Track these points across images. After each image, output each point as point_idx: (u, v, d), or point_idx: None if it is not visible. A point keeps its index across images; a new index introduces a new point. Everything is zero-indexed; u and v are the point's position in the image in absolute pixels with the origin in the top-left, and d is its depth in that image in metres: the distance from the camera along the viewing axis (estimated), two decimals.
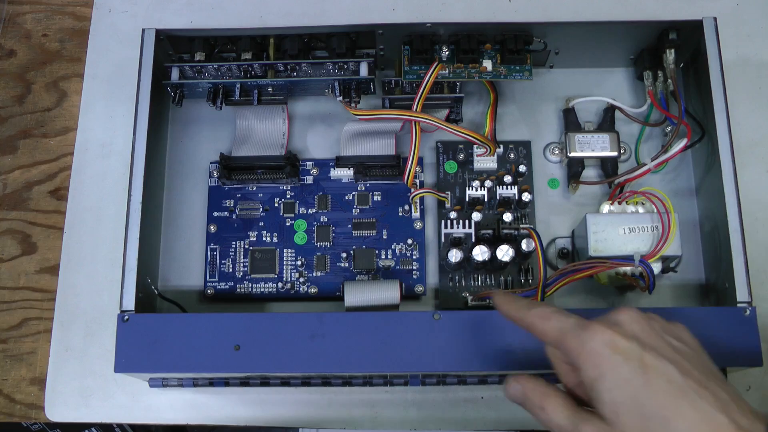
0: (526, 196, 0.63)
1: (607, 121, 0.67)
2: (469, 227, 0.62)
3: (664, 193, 0.59)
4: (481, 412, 0.61)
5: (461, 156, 0.66)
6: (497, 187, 0.63)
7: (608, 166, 0.66)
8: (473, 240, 0.61)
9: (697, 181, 0.66)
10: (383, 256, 0.65)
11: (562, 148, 0.66)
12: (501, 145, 0.66)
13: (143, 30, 0.62)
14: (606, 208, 0.61)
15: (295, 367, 0.54)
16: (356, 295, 0.59)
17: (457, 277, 0.63)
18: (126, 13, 0.73)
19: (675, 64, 0.64)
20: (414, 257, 0.64)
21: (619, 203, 0.61)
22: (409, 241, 0.65)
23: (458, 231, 0.62)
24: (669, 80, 0.64)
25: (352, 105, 0.64)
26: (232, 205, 0.66)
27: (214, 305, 0.64)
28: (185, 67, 0.63)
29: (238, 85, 0.64)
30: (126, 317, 0.54)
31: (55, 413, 0.61)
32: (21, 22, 0.74)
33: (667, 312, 0.56)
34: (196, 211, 0.66)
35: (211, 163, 0.67)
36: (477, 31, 0.63)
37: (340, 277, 0.64)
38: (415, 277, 0.64)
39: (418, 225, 0.65)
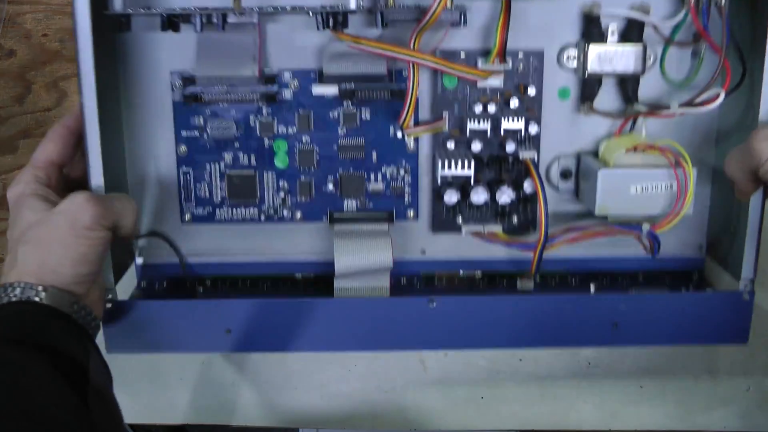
0: (533, 129, 0.57)
1: (634, 30, 0.57)
2: (468, 168, 0.57)
3: (683, 149, 0.54)
4: (481, 412, 0.61)
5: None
6: (502, 117, 0.57)
7: (628, 86, 0.57)
8: (472, 182, 0.57)
9: (723, 127, 0.59)
10: (372, 180, 0.60)
11: (579, 56, 0.58)
12: (509, 59, 0.57)
13: None
14: (621, 157, 0.55)
15: (288, 347, 0.55)
16: (346, 260, 0.57)
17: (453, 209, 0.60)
18: None
19: None
20: (406, 182, 0.60)
21: (636, 149, 0.55)
22: (403, 164, 0.59)
23: (456, 172, 0.57)
24: None
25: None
26: (201, 123, 0.59)
27: (197, 229, 0.60)
28: None
29: (198, 17, 0.54)
30: (108, 304, 0.54)
31: None
32: (21, 22, 0.74)
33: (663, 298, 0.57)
34: (162, 130, 0.59)
35: (171, 72, 0.59)
36: None
37: (325, 203, 0.60)
38: (407, 202, 0.60)
39: (411, 147, 0.60)
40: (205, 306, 0.56)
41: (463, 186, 0.58)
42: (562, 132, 0.59)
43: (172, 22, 0.55)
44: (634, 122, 0.58)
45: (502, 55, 0.56)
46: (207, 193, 0.61)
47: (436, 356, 0.62)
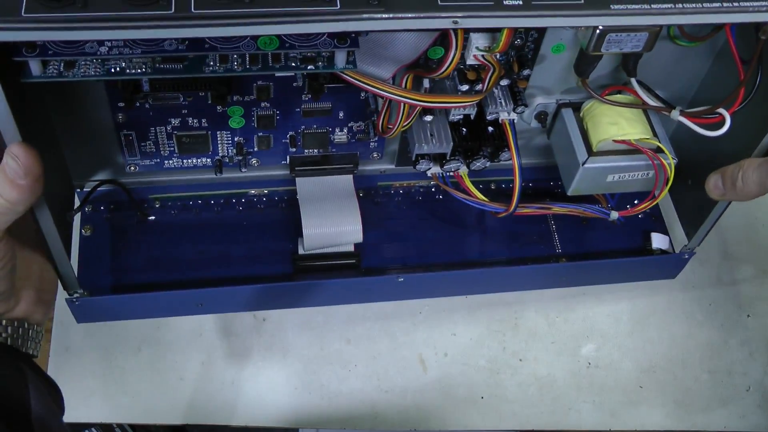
0: (520, 109, 0.54)
1: None
2: (447, 145, 0.55)
3: (666, 149, 0.54)
4: (481, 412, 0.61)
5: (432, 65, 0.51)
6: (489, 103, 0.54)
7: (630, 62, 0.54)
8: (448, 156, 0.56)
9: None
10: (337, 133, 0.58)
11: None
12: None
13: None
14: (605, 144, 0.54)
15: (261, 306, 0.58)
16: (314, 236, 0.57)
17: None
18: None
19: None
20: (372, 137, 0.58)
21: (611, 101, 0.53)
22: (372, 120, 0.55)
23: (434, 149, 0.55)
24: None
25: None
26: (140, 95, 0.52)
27: (145, 175, 0.59)
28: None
29: (145, 80, 0.47)
30: (76, 300, 0.53)
31: None
32: None
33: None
34: (91, 102, 0.53)
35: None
36: None
37: (285, 152, 0.58)
38: (372, 147, 0.60)
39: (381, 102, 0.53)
40: (178, 295, 0.56)
41: (437, 157, 0.57)
42: (546, 82, 0.57)
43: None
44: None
45: (509, 44, 0.49)
46: (153, 149, 0.56)
47: (436, 356, 0.62)
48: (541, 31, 0.53)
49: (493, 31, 0.49)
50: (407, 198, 0.65)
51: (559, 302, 0.65)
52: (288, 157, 0.59)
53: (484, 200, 0.59)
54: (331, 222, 0.58)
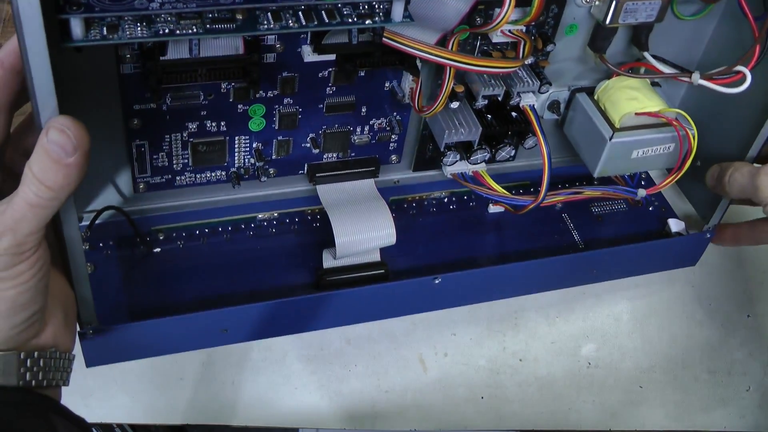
0: (545, 89, 0.54)
1: None
2: (475, 135, 0.54)
3: (690, 119, 0.55)
4: (481, 412, 0.61)
5: (477, 20, 0.50)
6: (516, 82, 0.53)
7: (642, 31, 0.56)
8: (474, 145, 0.55)
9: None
10: (358, 133, 0.56)
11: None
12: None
13: None
14: (628, 119, 0.54)
15: (285, 331, 0.55)
16: (346, 243, 0.54)
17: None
18: None
19: None
20: (396, 132, 0.56)
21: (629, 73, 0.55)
22: (394, 115, 0.55)
23: (462, 138, 0.54)
24: None
25: None
26: (165, 87, 0.48)
27: (153, 198, 0.56)
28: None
29: (195, 42, 0.43)
30: (90, 332, 0.47)
31: None
32: None
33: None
34: (104, 104, 0.49)
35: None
36: None
37: (304, 158, 0.55)
38: (391, 149, 0.58)
39: (405, 99, 0.53)
40: (198, 317, 0.51)
41: (464, 146, 0.56)
42: (558, 67, 0.58)
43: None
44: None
45: (539, 15, 0.50)
46: (166, 162, 0.52)
47: (436, 356, 0.62)
48: (561, 5, 0.54)
49: (524, 5, 0.50)
50: (423, 209, 0.64)
51: (559, 302, 0.65)
52: (306, 165, 0.56)
53: (507, 194, 0.59)
54: (363, 226, 0.55)
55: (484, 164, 0.58)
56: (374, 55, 0.48)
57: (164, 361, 0.62)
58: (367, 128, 0.56)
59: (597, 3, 0.53)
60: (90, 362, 0.51)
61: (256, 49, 0.47)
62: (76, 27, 0.38)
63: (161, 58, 0.44)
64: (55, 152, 0.36)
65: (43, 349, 0.39)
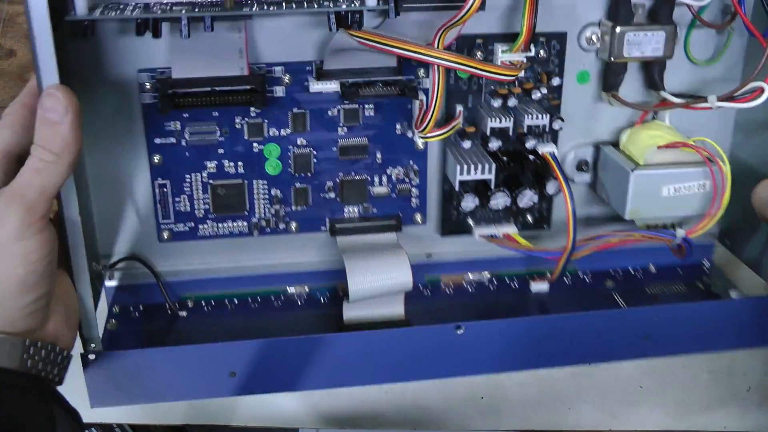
0: (557, 124, 0.54)
1: (664, 9, 0.53)
2: (489, 173, 0.52)
3: (722, 150, 0.52)
4: (482, 412, 0.61)
5: (479, 54, 0.53)
6: (525, 115, 0.53)
7: (654, 71, 0.55)
8: (492, 186, 0.53)
9: (740, 114, 0.57)
10: (376, 183, 0.55)
11: (604, 39, 0.54)
12: (531, 46, 0.53)
13: None
14: (653, 154, 0.52)
15: (299, 386, 0.50)
16: (361, 286, 0.52)
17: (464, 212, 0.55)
18: None
19: None
20: (413, 183, 0.56)
21: (670, 147, 0.52)
22: (410, 164, 0.55)
23: (476, 176, 0.53)
24: None
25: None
26: (179, 127, 0.52)
27: (176, 248, 0.56)
28: None
29: (184, 21, 0.45)
30: (92, 355, 0.46)
31: None
32: (21, 22, 0.74)
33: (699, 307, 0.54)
34: (130, 137, 0.52)
35: (140, 71, 0.51)
36: None
37: (324, 210, 0.55)
38: (414, 206, 0.56)
39: (419, 145, 0.55)
40: (206, 350, 0.49)
41: (481, 189, 0.54)
42: (579, 119, 0.56)
43: (148, 25, 0.47)
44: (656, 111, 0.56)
45: (528, 42, 0.51)
46: (188, 206, 0.53)
47: None
48: (562, 41, 0.54)
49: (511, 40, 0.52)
50: (461, 291, 0.59)
51: None
52: (327, 220, 0.56)
53: (533, 248, 0.56)
54: (378, 268, 0.53)
55: (514, 227, 0.56)
56: (376, 83, 0.52)
57: None
58: (384, 178, 0.56)
59: (599, 44, 0.54)
60: (94, 398, 0.49)
61: (261, 76, 0.51)
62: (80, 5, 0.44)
63: (173, 77, 0.49)
64: (49, 116, 0.40)
65: (45, 341, 0.40)
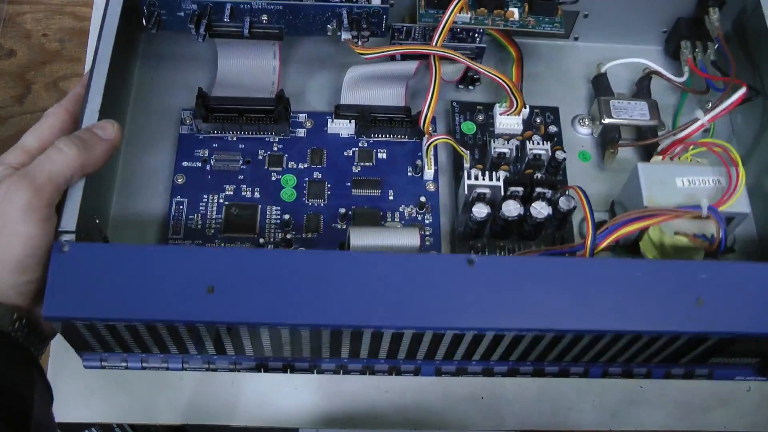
0: (559, 155, 0.57)
1: (643, 91, 0.61)
2: (497, 180, 0.53)
3: (733, 148, 0.53)
4: (482, 412, 0.61)
5: (480, 117, 0.60)
6: (527, 141, 0.56)
7: (648, 137, 0.59)
8: (501, 195, 0.53)
9: (744, 148, 0.60)
10: (389, 219, 0.57)
11: (594, 118, 0.60)
12: (527, 105, 0.59)
13: None
14: (658, 160, 0.55)
15: (286, 317, 0.42)
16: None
17: (479, 245, 0.55)
18: None
19: (720, 22, 0.59)
20: (426, 221, 0.57)
21: (672, 158, 0.54)
22: (422, 200, 0.56)
23: (485, 183, 0.53)
24: (710, 50, 0.60)
25: (360, 43, 0.57)
26: (206, 155, 0.58)
27: None
28: None
29: (228, 6, 0.54)
30: (65, 246, 0.42)
31: (55, 413, 0.61)
32: (21, 22, 0.75)
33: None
34: (160, 158, 0.58)
35: (184, 110, 0.59)
36: None
37: (335, 239, 0.55)
38: (427, 243, 0.57)
39: (431, 186, 0.57)
40: (181, 253, 0.45)
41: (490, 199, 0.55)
42: (589, 192, 0.54)
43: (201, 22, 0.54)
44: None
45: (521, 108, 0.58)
46: (200, 223, 0.54)
47: None
48: (555, 113, 0.62)
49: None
50: None
51: None
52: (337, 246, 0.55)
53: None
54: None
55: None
56: (390, 120, 0.57)
57: None
58: (397, 214, 0.57)
59: (592, 128, 0.58)
60: (49, 306, 0.42)
61: (286, 104, 0.57)
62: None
63: (213, 95, 0.57)
64: (95, 129, 0.45)
65: (30, 321, 0.42)
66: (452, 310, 0.44)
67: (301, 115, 0.59)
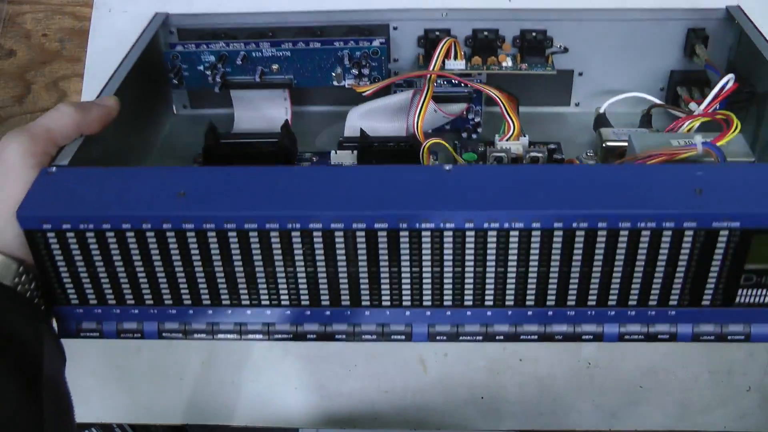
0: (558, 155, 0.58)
1: (644, 125, 0.60)
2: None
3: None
4: (481, 412, 0.61)
5: (481, 149, 0.59)
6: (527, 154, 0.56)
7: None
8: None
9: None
10: None
11: (597, 151, 0.58)
12: (526, 134, 0.57)
13: (156, 13, 0.64)
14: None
15: (260, 209, 0.41)
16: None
17: None
18: (126, 12, 0.73)
19: (707, 55, 0.60)
20: None
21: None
22: None
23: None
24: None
25: (361, 83, 0.61)
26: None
27: None
28: (188, 44, 0.62)
29: (241, 54, 0.60)
30: (52, 168, 0.43)
31: None
32: (21, 22, 0.74)
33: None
34: None
35: (196, 157, 0.59)
36: (493, 18, 0.62)
37: None
38: None
39: None
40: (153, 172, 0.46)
41: None
42: None
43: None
44: None
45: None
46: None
47: (436, 356, 0.62)
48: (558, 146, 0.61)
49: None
50: None
51: None
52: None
53: None
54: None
55: None
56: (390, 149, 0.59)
57: (164, 361, 0.62)
58: None
59: (596, 159, 0.59)
60: (24, 207, 0.41)
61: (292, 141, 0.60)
62: None
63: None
64: (98, 100, 0.49)
65: (36, 275, 0.42)
66: (431, 198, 0.43)
67: (307, 153, 0.63)
